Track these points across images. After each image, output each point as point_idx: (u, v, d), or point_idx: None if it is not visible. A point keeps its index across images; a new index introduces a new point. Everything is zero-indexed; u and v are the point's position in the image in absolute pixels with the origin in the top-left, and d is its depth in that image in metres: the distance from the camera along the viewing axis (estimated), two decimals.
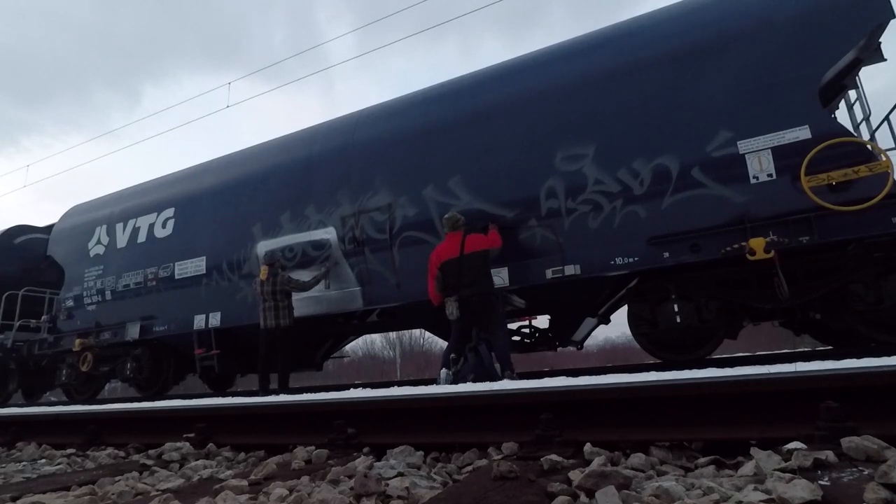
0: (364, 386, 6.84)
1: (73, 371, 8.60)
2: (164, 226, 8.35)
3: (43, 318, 9.35)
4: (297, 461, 2.30)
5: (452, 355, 5.13)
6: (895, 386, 1.72)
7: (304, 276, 6.70)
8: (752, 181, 4.78)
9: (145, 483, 2.17)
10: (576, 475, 1.55)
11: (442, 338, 7.11)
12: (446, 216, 5.55)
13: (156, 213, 8.51)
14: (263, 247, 7.12)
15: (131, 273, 8.38)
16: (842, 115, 5.62)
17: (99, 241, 9.05)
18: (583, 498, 1.42)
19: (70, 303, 9.04)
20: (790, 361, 2.22)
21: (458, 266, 5.15)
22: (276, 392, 5.77)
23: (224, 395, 6.81)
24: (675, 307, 5.20)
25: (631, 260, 5.10)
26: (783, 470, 1.43)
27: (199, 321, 7.51)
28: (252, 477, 2.04)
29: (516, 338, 6.12)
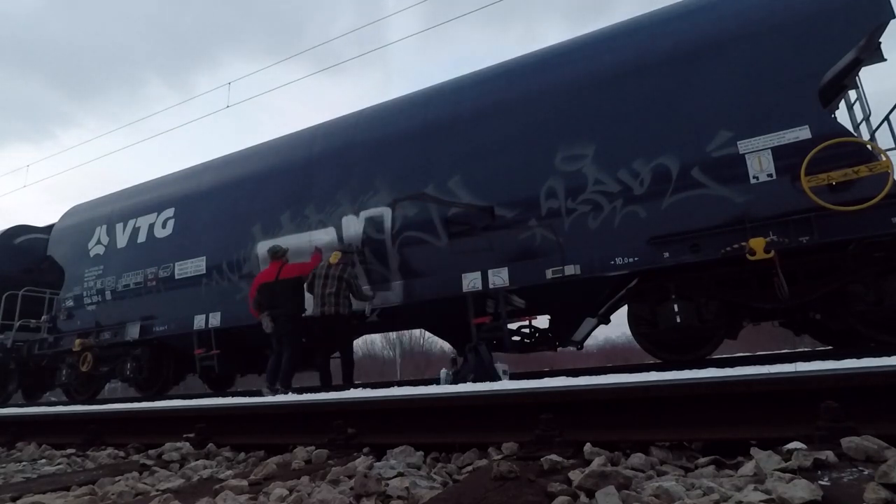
0: (364, 386, 6.83)
1: (73, 371, 8.59)
2: (164, 226, 8.35)
3: (43, 318, 9.35)
4: (297, 461, 2.30)
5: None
6: (895, 386, 1.72)
7: None
8: (753, 181, 4.78)
9: (145, 483, 2.17)
10: (576, 475, 1.55)
11: (442, 338, 7.11)
12: (269, 247, 6.45)
13: (156, 213, 8.51)
14: (263, 247, 7.11)
15: (131, 273, 8.38)
16: (842, 115, 5.62)
17: (99, 241, 9.05)
18: (583, 498, 1.42)
19: (70, 303, 9.04)
20: (790, 361, 2.22)
21: (271, 289, 6.16)
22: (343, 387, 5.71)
23: (224, 395, 6.80)
24: (675, 307, 5.19)
25: (631, 260, 5.10)
26: (783, 470, 1.43)
27: (199, 321, 7.51)
28: (252, 477, 2.04)
29: (516, 338, 6.12)
